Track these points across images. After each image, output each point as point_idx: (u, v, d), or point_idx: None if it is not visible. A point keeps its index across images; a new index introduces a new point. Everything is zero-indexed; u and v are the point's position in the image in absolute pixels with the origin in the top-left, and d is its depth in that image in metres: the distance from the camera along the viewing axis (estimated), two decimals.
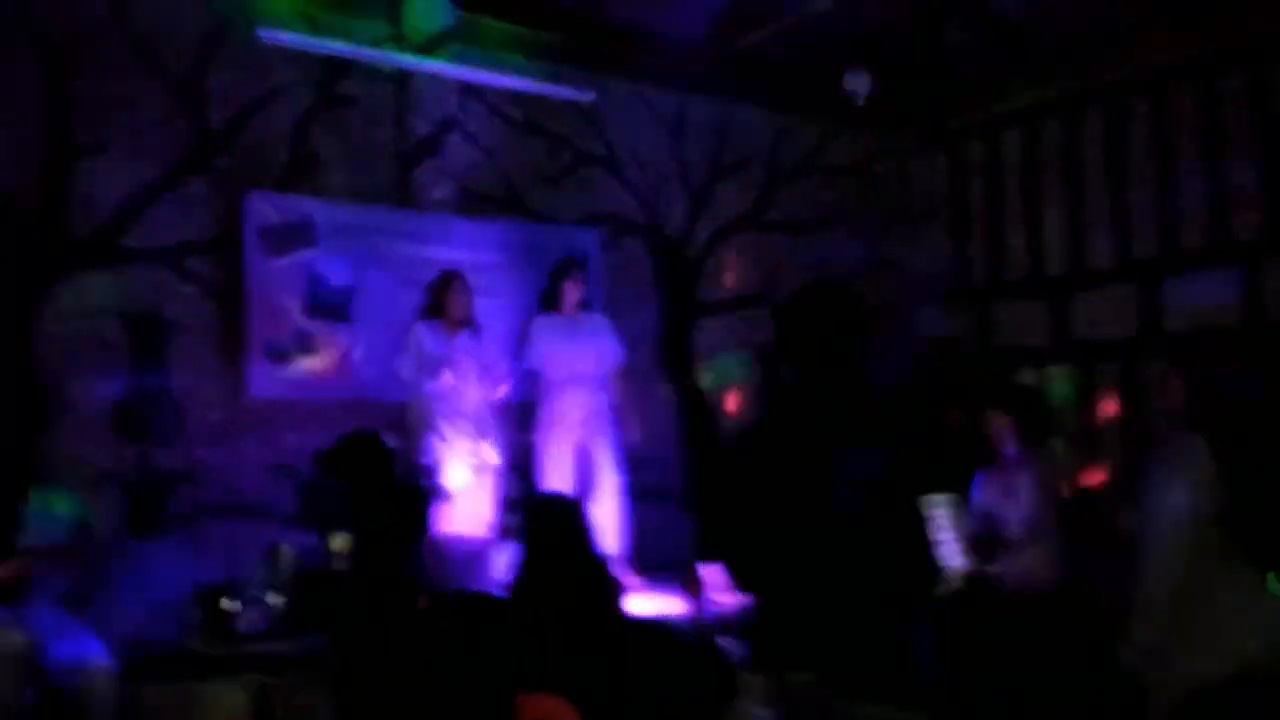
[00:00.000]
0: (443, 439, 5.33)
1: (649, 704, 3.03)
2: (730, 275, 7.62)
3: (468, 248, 6.42)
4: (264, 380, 5.82)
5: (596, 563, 3.31)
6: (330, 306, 6.02)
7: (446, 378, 5.41)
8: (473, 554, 5.00)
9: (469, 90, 6.63)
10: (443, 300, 5.59)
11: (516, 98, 6.77)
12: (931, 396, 7.15)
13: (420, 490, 3.94)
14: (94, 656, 3.90)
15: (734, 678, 3.20)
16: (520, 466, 6.30)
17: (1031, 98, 7.65)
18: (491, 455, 5.52)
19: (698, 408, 7.31)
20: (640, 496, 6.06)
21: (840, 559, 2.70)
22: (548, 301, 6.00)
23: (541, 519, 3.61)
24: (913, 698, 2.95)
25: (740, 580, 2.87)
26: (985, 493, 4.98)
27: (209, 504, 5.71)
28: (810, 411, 3.02)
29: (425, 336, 5.52)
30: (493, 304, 6.27)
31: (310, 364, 5.95)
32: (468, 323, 5.66)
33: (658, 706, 3.04)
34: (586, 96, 6.89)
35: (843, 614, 2.70)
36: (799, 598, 2.69)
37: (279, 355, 5.86)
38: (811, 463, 2.86)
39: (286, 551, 4.54)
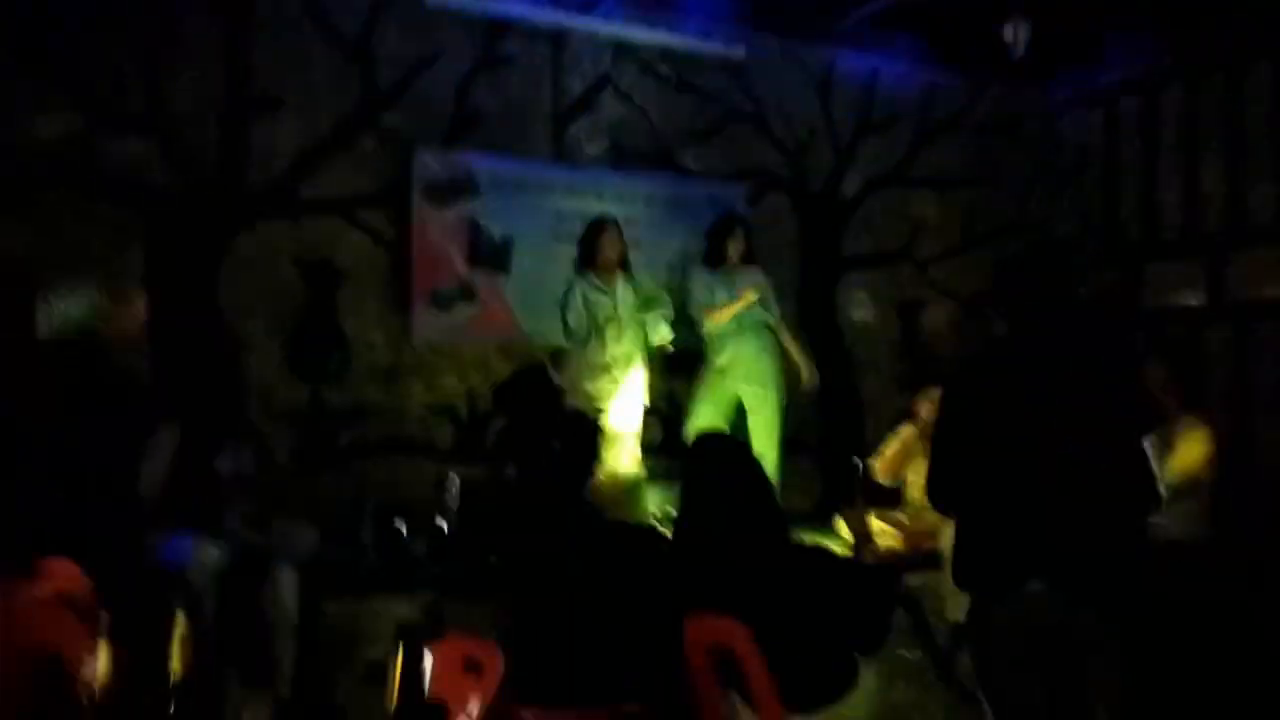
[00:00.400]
0: (600, 383, 5.53)
1: (818, 627, 3.16)
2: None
3: (618, 201, 6.61)
4: (427, 325, 6.14)
5: (767, 497, 3.45)
6: (490, 257, 6.30)
7: (608, 323, 5.59)
8: (625, 492, 5.21)
9: (622, 48, 6.80)
10: (594, 246, 5.76)
11: (667, 54, 6.92)
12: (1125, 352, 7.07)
13: (590, 422, 4.12)
14: (280, 569, 4.24)
15: (894, 605, 3.32)
16: (670, 412, 6.52)
17: (1191, 52, 7.44)
18: (643, 398, 5.71)
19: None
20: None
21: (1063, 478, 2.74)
22: (711, 256, 6.12)
23: (711, 457, 3.74)
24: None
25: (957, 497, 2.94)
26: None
27: (374, 440, 6.06)
28: (1025, 358, 2.99)
29: (584, 287, 5.71)
30: (641, 256, 6.45)
31: (470, 311, 6.23)
32: (620, 266, 5.80)
33: (825, 630, 3.17)
34: (736, 52, 7.00)
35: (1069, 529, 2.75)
36: (1026, 513, 2.75)
37: (442, 302, 6.16)
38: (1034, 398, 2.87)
39: (454, 480, 4.80)
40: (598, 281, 5.76)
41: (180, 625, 3.76)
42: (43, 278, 5.33)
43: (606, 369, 5.61)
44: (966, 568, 3.02)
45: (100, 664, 3.14)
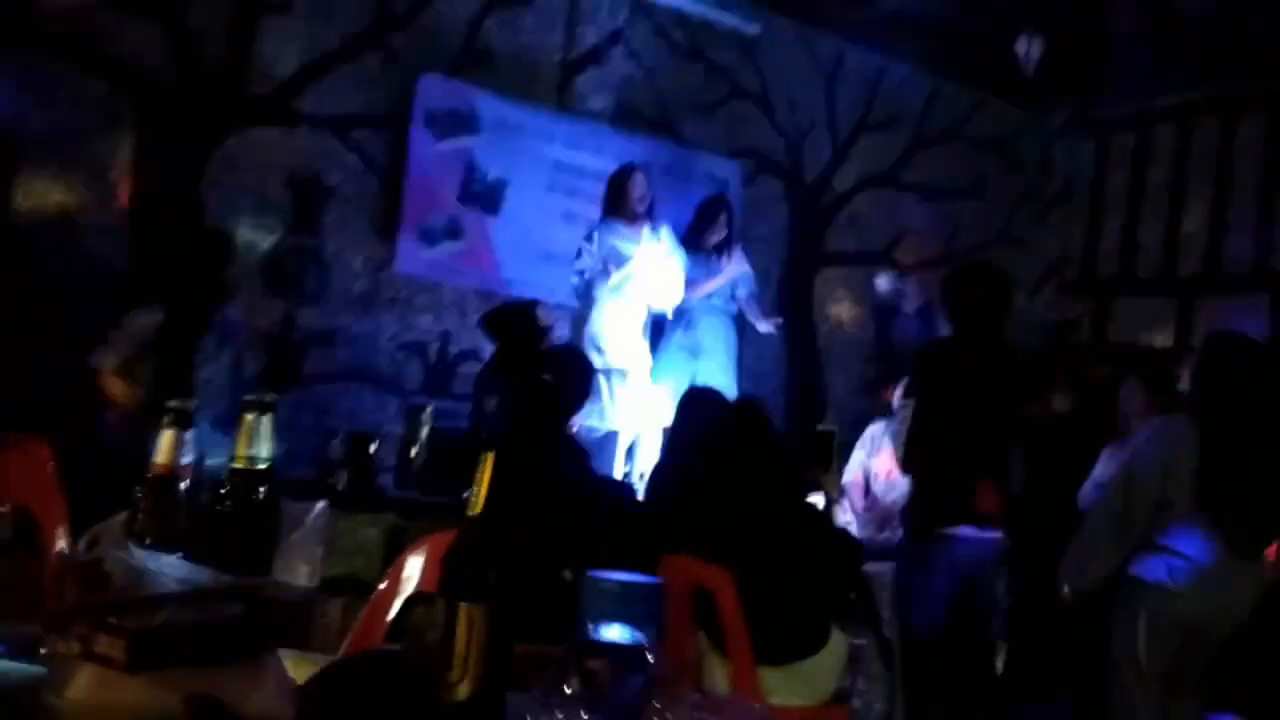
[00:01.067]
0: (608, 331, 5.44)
1: (795, 580, 3.14)
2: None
3: (614, 159, 6.52)
4: (411, 257, 6.01)
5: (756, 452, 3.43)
6: (482, 195, 6.19)
7: (626, 272, 5.45)
8: (600, 444, 5.15)
9: (639, 6, 6.72)
10: (622, 191, 5.60)
11: (683, 20, 6.86)
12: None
13: (584, 359, 4.08)
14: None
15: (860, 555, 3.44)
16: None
17: (1190, 94, 7.55)
18: (644, 359, 5.63)
19: None
20: None
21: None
22: (689, 240, 6.00)
23: (701, 409, 3.75)
24: None
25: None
26: (1107, 468, 5.05)
27: (343, 367, 5.93)
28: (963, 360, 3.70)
29: (607, 233, 5.57)
30: None
31: (455, 248, 6.12)
32: (648, 216, 5.64)
33: (801, 583, 3.16)
34: (751, 28, 6.96)
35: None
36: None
37: (428, 235, 6.03)
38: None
39: (427, 414, 4.71)
40: (623, 228, 5.61)
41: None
42: (24, 151, 5.12)
43: (618, 318, 5.48)
44: (919, 513, 4.05)
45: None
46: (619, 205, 5.57)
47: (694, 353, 5.91)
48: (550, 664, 0.66)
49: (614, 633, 0.69)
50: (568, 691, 0.67)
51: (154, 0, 5.35)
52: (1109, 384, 7.52)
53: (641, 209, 5.58)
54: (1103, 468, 5.18)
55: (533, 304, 4.60)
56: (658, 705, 0.68)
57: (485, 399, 4.42)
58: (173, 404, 1.36)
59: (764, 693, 2.90)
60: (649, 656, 0.69)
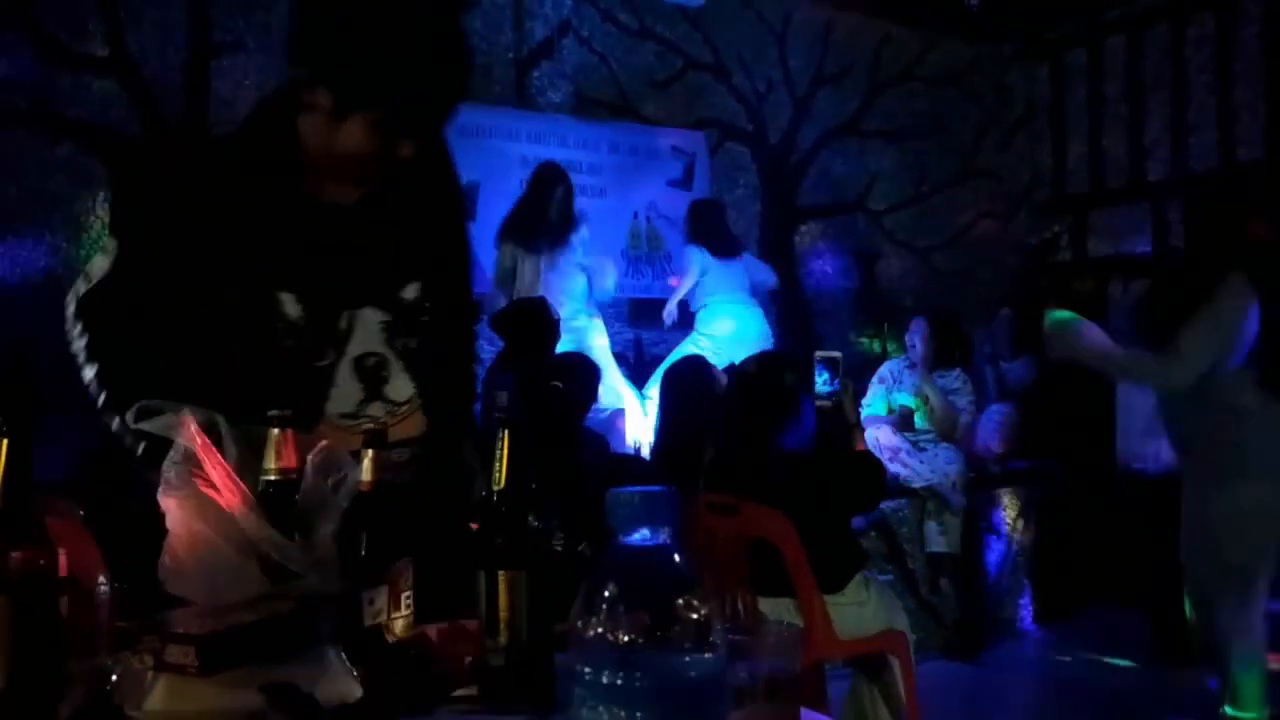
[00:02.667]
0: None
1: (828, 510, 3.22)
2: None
3: (581, 149, 6.62)
4: None
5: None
6: None
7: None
8: (605, 423, 5.26)
9: None
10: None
11: (628, 2, 6.92)
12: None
13: (592, 365, 4.24)
14: None
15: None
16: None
17: (1137, 2, 7.63)
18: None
19: None
20: None
21: None
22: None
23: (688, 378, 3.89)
24: None
25: None
26: None
27: None
28: None
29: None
30: (605, 203, 6.49)
31: None
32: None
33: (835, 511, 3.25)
34: (694, 1, 7.02)
35: None
36: None
37: None
38: None
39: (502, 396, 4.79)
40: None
41: None
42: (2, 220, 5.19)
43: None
44: None
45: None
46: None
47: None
48: (586, 571, 0.74)
49: (639, 537, 0.78)
50: (606, 594, 0.75)
51: (108, 58, 5.41)
52: (1096, 297, 7.67)
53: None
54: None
55: (541, 301, 4.68)
56: (689, 599, 0.76)
57: (495, 394, 4.50)
58: (367, 426, 1.46)
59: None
60: (675, 555, 0.78)
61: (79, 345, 1.77)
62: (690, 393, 3.92)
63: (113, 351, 1.77)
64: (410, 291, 1.85)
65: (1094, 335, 3.56)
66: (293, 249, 1.74)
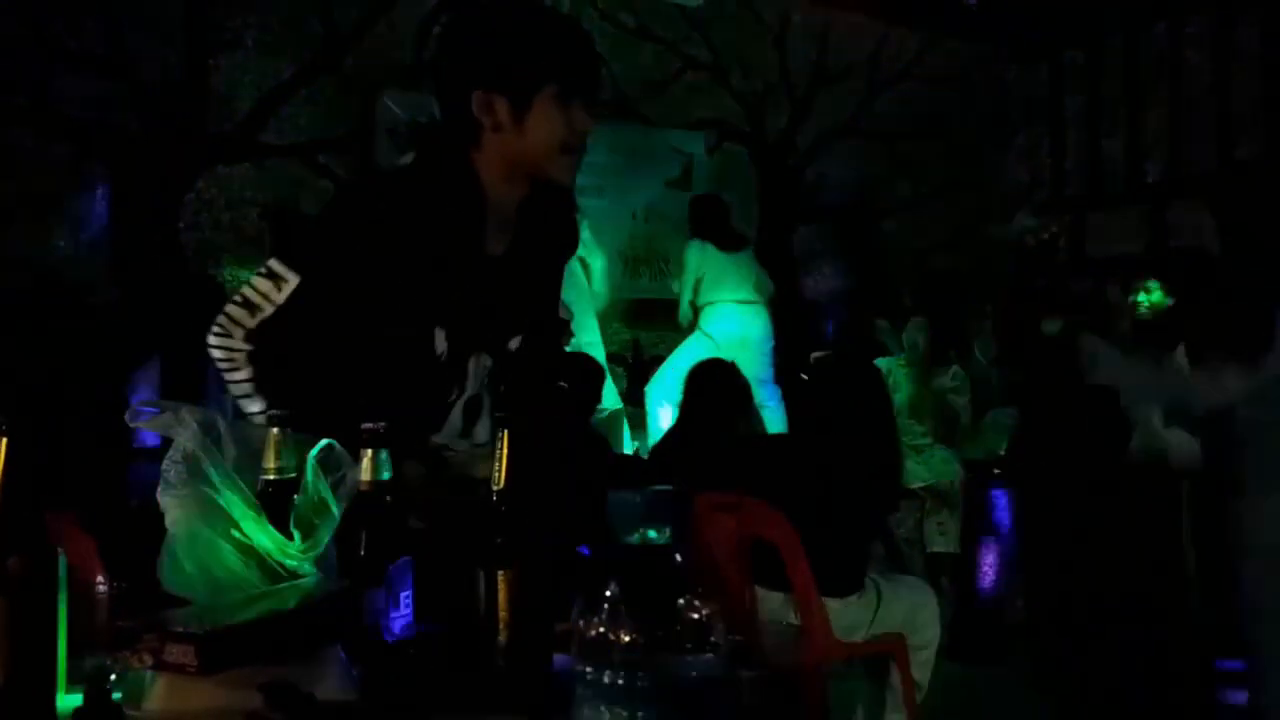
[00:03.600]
0: None
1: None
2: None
3: None
4: None
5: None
6: None
7: None
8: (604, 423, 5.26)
9: None
10: None
11: (627, 2, 6.92)
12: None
13: (596, 365, 4.25)
14: None
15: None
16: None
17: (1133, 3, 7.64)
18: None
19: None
20: None
21: None
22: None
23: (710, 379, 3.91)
24: None
25: None
26: None
27: None
28: None
29: None
30: (603, 204, 6.49)
31: None
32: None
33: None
34: (693, 1, 7.02)
35: None
36: None
37: None
38: None
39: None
40: None
41: None
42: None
43: None
44: None
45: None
46: None
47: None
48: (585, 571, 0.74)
49: (640, 538, 0.78)
50: (607, 594, 0.75)
51: (107, 58, 5.41)
52: (1093, 299, 7.67)
53: None
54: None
55: (586, 356, 4.68)
56: (690, 599, 0.76)
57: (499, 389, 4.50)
58: (368, 426, 1.45)
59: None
60: (675, 554, 0.78)
61: (241, 376, 1.73)
62: (716, 393, 3.88)
63: (286, 386, 1.73)
64: (514, 343, 1.93)
65: (1133, 365, 3.41)
66: (451, 289, 1.80)
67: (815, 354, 5.97)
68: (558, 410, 3.69)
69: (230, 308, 1.72)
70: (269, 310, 1.71)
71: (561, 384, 3.80)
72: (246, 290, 1.72)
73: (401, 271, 1.74)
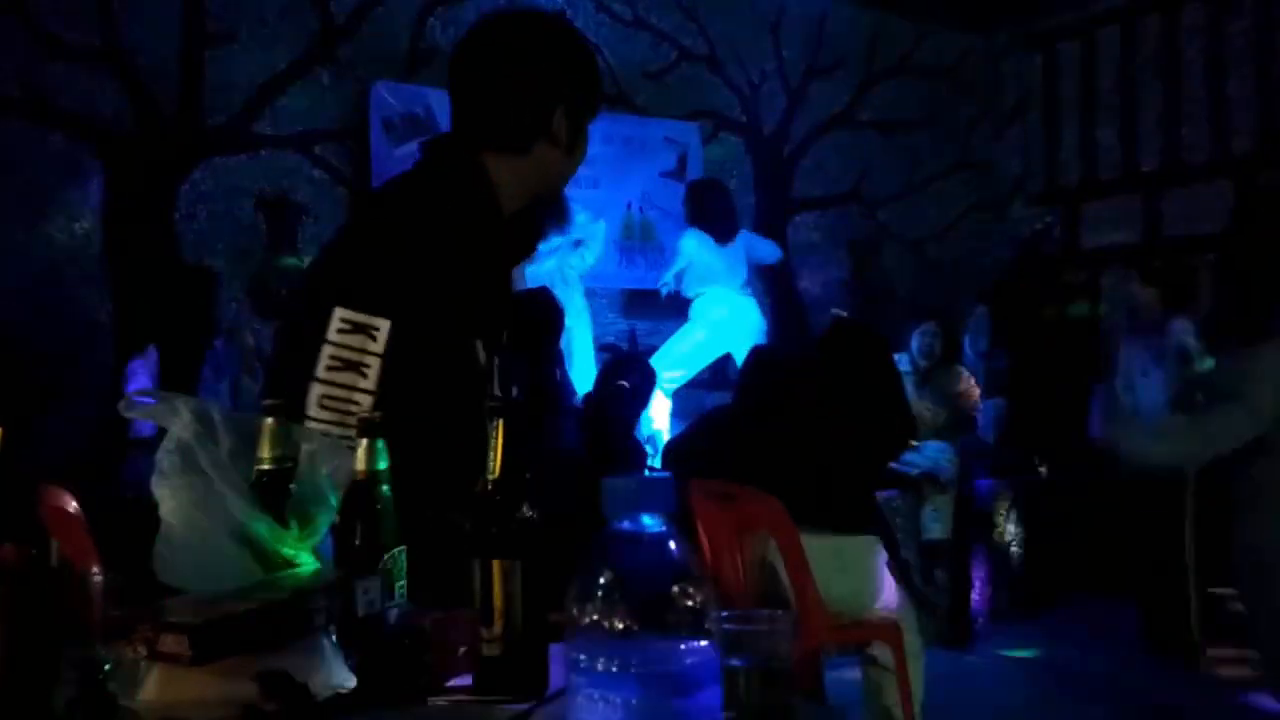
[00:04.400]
0: None
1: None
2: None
3: None
4: None
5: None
6: None
7: None
8: None
9: None
10: None
11: None
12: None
13: (649, 366, 4.30)
14: None
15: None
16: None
17: None
18: None
19: None
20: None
21: None
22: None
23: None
24: None
25: None
26: (1132, 359, 5.24)
27: None
28: None
29: None
30: (598, 194, 6.48)
31: None
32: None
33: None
34: None
35: None
36: None
37: None
38: None
39: None
40: None
41: None
42: None
43: None
44: None
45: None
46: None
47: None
48: (582, 557, 0.74)
49: (634, 523, 0.78)
50: (600, 581, 0.76)
51: (101, 48, 5.39)
52: (1087, 287, 7.69)
53: None
54: (1127, 360, 5.33)
55: (543, 290, 4.65)
56: (685, 587, 0.76)
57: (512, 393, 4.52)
58: (364, 415, 1.42)
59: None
60: (671, 541, 0.78)
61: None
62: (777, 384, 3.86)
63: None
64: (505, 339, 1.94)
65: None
66: (485, 299, 1.80)
67: (834, 310, 6.07)
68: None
69: (329, 374, 1.59)
70: (375, 365, 1.60)
71: (622, 383, 3.87)
72: (333, 351, 1.60)
73: (455, 286, 1.70)
